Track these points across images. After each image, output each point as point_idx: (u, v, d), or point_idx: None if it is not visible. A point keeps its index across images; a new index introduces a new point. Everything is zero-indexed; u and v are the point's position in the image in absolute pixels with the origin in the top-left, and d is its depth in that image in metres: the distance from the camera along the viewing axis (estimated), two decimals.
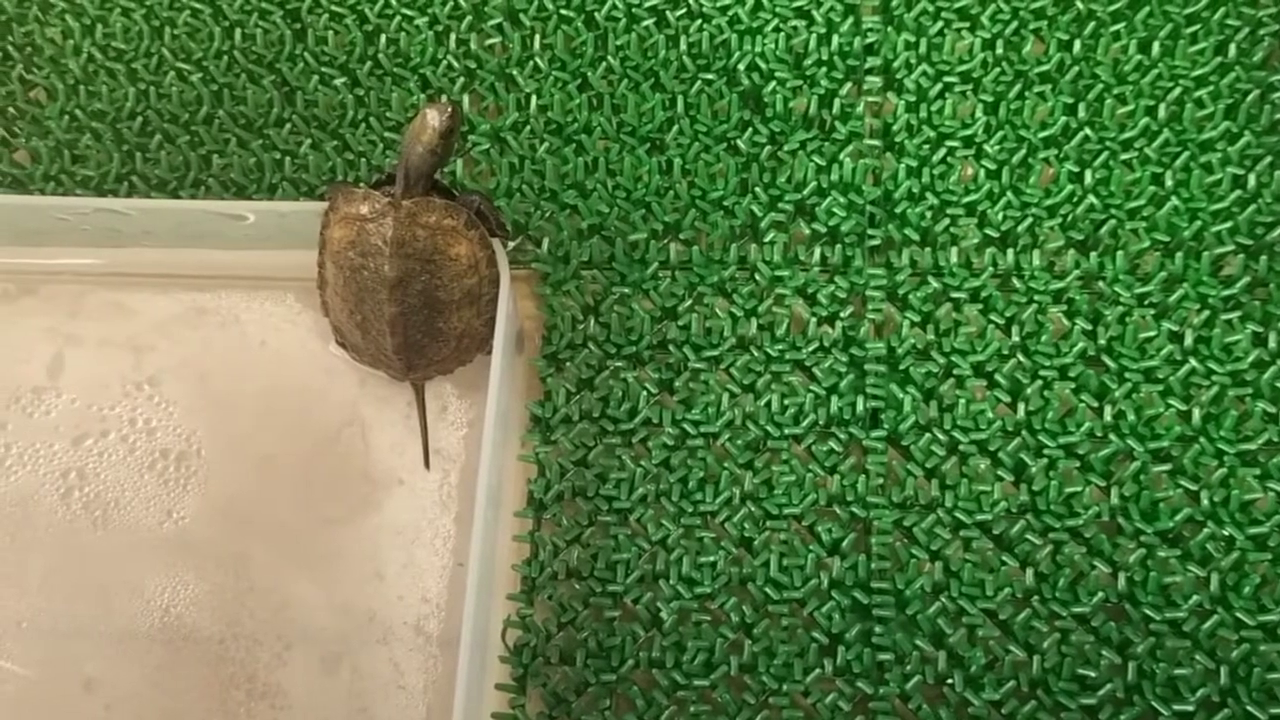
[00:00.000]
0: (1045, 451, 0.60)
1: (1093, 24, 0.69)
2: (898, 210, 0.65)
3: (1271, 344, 0.61)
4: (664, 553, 0.59)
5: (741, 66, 0.69)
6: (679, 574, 0.58)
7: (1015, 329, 0.63)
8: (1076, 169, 0.66)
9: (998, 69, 0.68)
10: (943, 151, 0.67)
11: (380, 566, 0.61)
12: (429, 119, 0.56)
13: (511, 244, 0.65)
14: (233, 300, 0.66)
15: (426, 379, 0.63)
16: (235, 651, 0.59)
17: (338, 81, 0.70)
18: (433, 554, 0.61)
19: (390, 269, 0.57)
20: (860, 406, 0.61)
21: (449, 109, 0.56)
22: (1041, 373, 0.62)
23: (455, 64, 0.70)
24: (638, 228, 0.66)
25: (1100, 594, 0.57)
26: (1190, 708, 0.55)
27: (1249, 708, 0.54)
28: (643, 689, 0.56)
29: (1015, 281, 0.64)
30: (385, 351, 0.60)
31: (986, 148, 0.67)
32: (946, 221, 0.65)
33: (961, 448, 0.60)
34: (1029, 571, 0.58)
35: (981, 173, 0.66)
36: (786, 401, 0.62)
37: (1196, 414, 0.60)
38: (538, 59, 0.70)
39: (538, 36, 0.70)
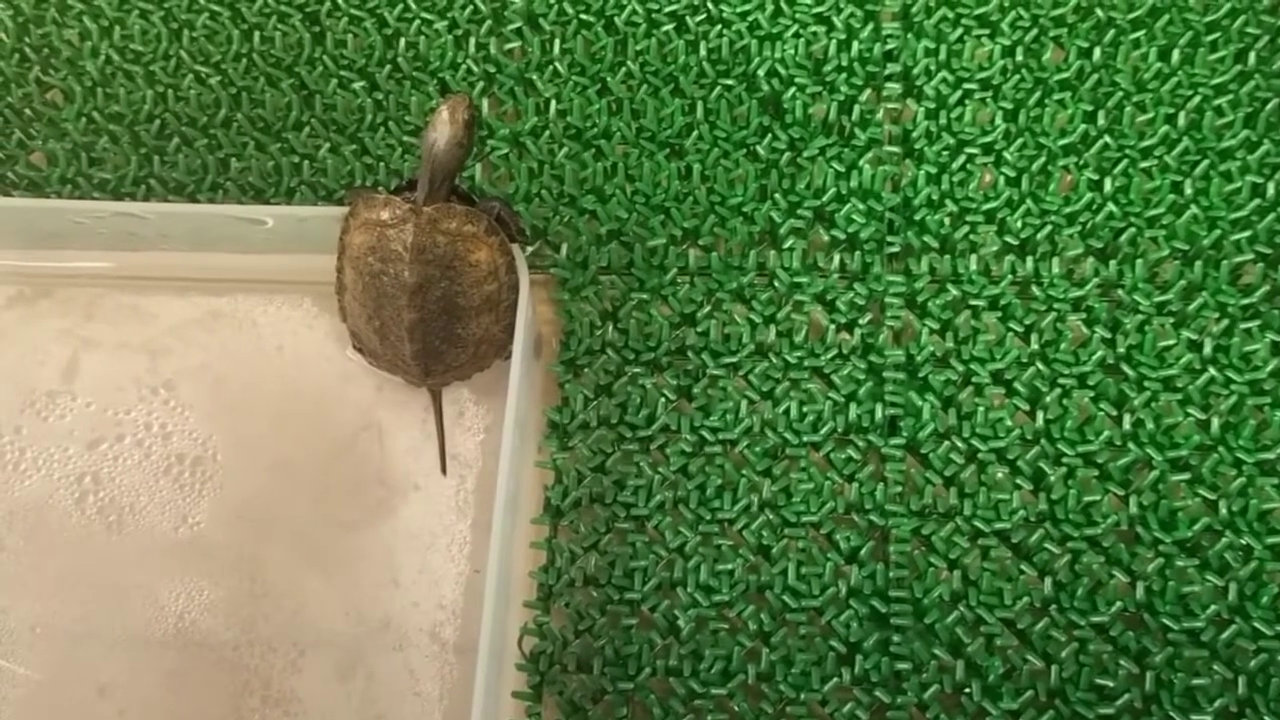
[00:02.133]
0: (1064, 460, 0.60)
1: (1112, 31, 0.69)
2: (917, 217, 0.65)
3: None
4: (681, 560, 0.59)
5: (761, 72, 0.69)
6: (696, 582, 0.58)
7: (1034, 337, 0.62)
8: (1096, 177, 0.66)
9: (1017, 76, 0.68)
10: (962, 158, 0.66)
11: (396, 572, 0.61)
12: (451, 113, 0.56)
13: (530, 249, 0.65)
14: (249, 304, 0.66)
15: (444, 385, 0.63)
16: (249, 658, 0.59)
17: (356, 85, 0.70)
18: (448, 560, 0.61)
19: (410, 275, 0.57)
20: (879, 414, 0.61)
21: (465, 99, 0.56)
22: (1060, 381, 0.61)
23: (474, 68, 0.70)
24: (656, 233, 0.65)
25: (1118, 603, 0.57)
26: (1208, 718, 0.54)
27: (1267, 718, 0.54)
28: (660, 697, 0.56)
29: (1034, 289, 0.64)
30: (403, 357, 0.60)
31: (1006, 155, 0.66)
32: (966, 229, 0.65)
33: (980, 456, 0.60)
34: (1047, 580, 0.57)
35: (1001, 180, 0.66)
36: (805, 409, 0.61)
37: (1215, 423, 0.60)
38: (557, 64, 0.70)
39: (557, 41, 0.70)
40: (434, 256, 0.57)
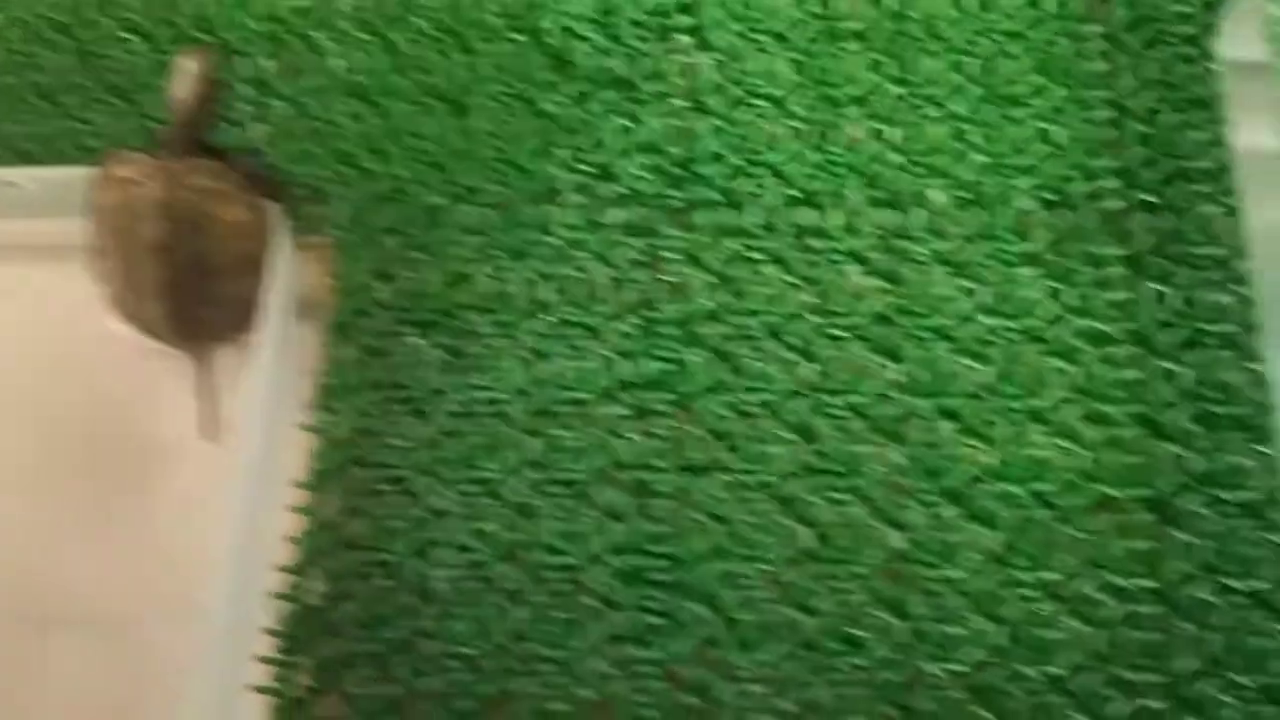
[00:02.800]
0: (833, 411, 0.59)
1: None
2: (701, 171, 0.64)
3: (1068, 299, 0.60)
4: (441, 521, 0.58)
5: (549, 26, 0.67)
6: (454, 543, 0.57)
7: (812, 289, 0.61)
8: (883, 126, 0.65)
9: (808, 25, 0.67)
10: (749, 110, 0.65)
11: (158, 538, 0.59)
12: (190, 66, 0.55)
13: (306, 208, 0.64)
14: (13, 270, 0.64)
15: (207, 348, 0.61)
16: (5, 627, 0.58)
17: (137, 46, 0.68)
18: (213, 526, 0.59)
19: (156, 232, 0.56)
20: (651, 369, 0.60)
21: (204, 52, 0.55)
22: (835, 333, 0.60)
23: (257, 26, 0.69)
24: (435, 191, 0.64)
25: (881, 553, 0.56)
26: (964, 668, 0.54)
27: (1019, 667, 0.53)
28: (410, 659, 0.55)
29: (815, 241, 0.63)
30: (158, 319, 0.59)
31: (793, 106, 0.65)
32: (749, 181, 0.64)
33: (749, 409, 0.59)
34: (811, 532, 0.57)
35: (786, 131, 0.65)
36: (577, 365, 0.60)
37: (989, 371, 0.59)
38: (342, 21, 0.68)
39: None
40: (181, 213, 0.56)
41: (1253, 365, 0.58)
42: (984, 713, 0.53)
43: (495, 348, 0.61)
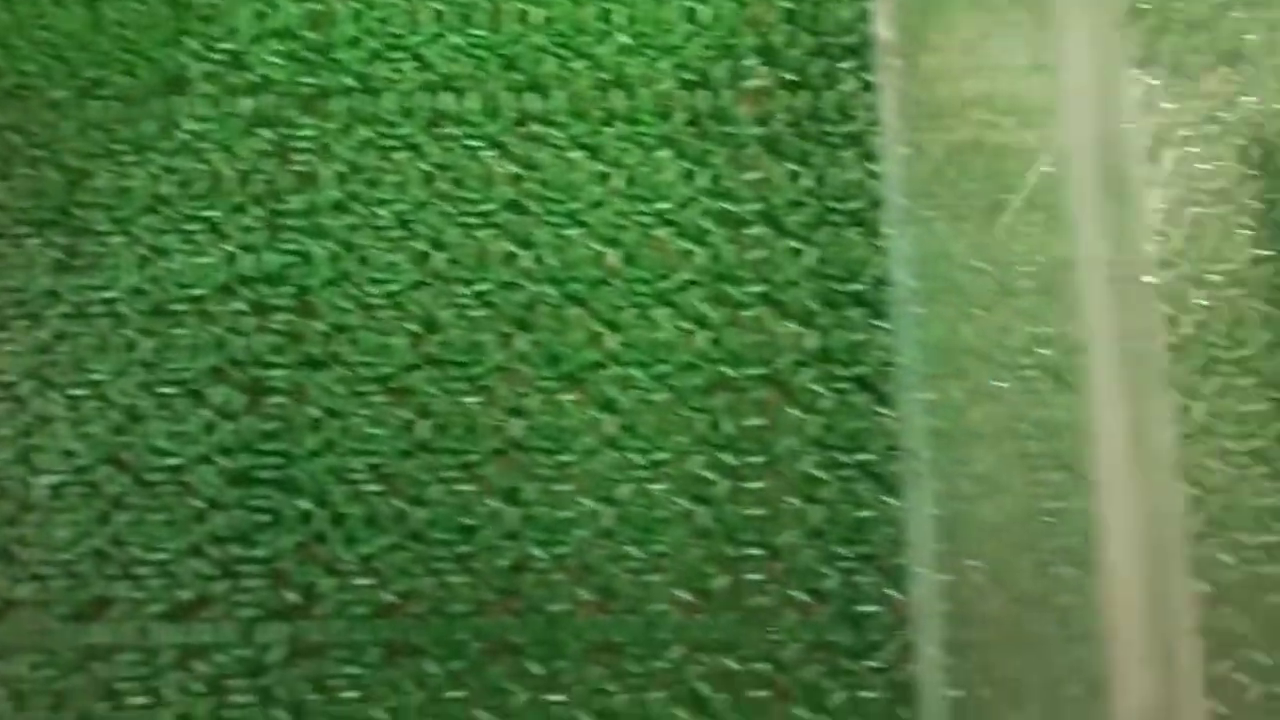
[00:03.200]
0: (459, 301, 0.58)
1: None
2: (336, 56, 0.62)
3: (702, 181, 0.60)
4: (47, 428, 0.56)
5: None
6: (59, 449, 0.55)
7: (445, 176, 0.60)
8: (528, 7, 0.63)
9: None
10: None
11: None
12: None
13: None
14: None
15: None
16: None
17: None
18: None
19: None
20: (273, 263, 0.58)
21: None
22: (467, 221, 0.59)
23: None
24: (60, 86, 0.61)
25: (497, 441, 0.55)
26: (569, 550, 0.54)
27: (625, 547, 0.54)
28: (10, 569, 0.54)
29: (452, 128, 0.61)
30: None
31: None
32: (387, 66, 0.62)
33: (373, 301, 0.58)
34: (427, 423, 0.56)
35: (428, 13, 0.63)
36: (196, 262, 0.59)
37: (619, 256, 0.58)
38: None
39: None
40: None
41: (876, 241, 0.58)
42: (585, 592, 0.53)
43: (112, 246, 0.59)
